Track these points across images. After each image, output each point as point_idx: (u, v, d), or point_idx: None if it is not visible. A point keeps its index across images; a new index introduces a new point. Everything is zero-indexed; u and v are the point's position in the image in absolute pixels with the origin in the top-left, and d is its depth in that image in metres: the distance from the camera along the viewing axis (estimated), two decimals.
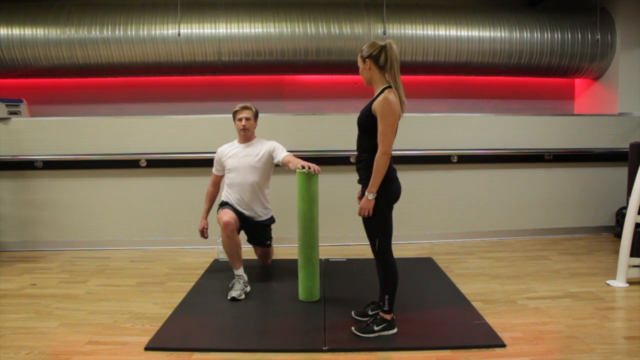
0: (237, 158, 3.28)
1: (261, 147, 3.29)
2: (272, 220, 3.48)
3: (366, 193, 2.32)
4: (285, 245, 4.11)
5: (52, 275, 3.53)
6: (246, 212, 3.28)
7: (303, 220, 2.86)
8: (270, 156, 3.26)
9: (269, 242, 3.50)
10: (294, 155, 3.15)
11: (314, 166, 2.82)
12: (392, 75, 2.30)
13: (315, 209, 2.87)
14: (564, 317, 2.69)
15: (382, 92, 2.29)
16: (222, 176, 3.40)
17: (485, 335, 2.46)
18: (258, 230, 3.40)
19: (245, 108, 3.26)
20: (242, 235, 3.32)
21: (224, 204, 3.29)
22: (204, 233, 3.43)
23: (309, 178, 2.81)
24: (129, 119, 4.27)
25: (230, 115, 3.35)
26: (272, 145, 3.30)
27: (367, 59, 2.33)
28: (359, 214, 2.38)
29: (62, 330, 2.58)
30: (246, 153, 3.28)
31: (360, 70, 2.40)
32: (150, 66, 4.43)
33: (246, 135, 3.30)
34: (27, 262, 3.88)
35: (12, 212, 4.21)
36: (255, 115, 3.33)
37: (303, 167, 2.82)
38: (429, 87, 5.05)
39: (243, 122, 3.24)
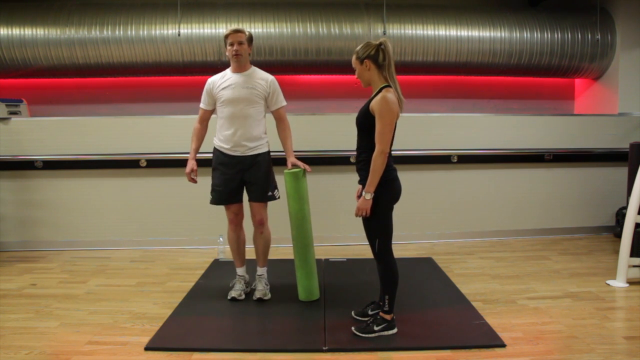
0: (232, 89, 2.88)
1: (259, 81, 2.91)
2: (268, 155, 3.00)
3: (363, 193, 2.31)
4: (282, 246, 4.10)
5: (52, 275, 3.53)
6: (239, 151, 2.91)
7: (295, 219, 2.86)
8: (267, 95, 2.93)
9: (270, 193, 2.97)
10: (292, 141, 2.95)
11: (304, 165, 2.81)
12: (390, 74, 2.30)
13: (306, 207, 2.87)
14: (564, 317, 2.69)
15: (379, 91, 2.29)
16: (211, 112, 3.03)
17: (485, 335, 2.46)
18: (255, 174, 2.93)
19: (237, 31, 2.84)
20: (246, 218, 3.18)
21: (217, 168, 2.97)
22: (192, 176, 2.97)
23: (297, 177, 2.81)
24: (129, 119, 4.27)
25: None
26: (272, 82, 2.94)
27: (365, 60, 2.31)
28: (356, 215, 2.36)
29: (62, 330, 2.58)
30: (243, 84, 2.88)
31: (357, 72, 2.37)
32: (150, 66, 4.43)
33: (240, 62, 2.88)
34: (27, 262, 3.88)
35: (12, 212, 4.21)
36: (249, 40, 2.92)
37: (294, 165, 2.81)
38: (429, 87, 5.05)
39: (235, 46, 2.82)
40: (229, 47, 2.87)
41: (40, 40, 4.23)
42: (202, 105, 3.02)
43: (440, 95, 5.09)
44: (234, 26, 2.94)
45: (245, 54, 2.89)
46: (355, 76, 2.40)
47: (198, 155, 3.04)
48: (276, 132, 3.03)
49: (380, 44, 2.29)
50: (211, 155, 3.04)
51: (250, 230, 3.08)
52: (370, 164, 2.28)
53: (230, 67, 2.96)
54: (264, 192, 2.96)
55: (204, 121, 3.05)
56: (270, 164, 3.04)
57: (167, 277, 3.48)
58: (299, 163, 2.84)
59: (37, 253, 4.11)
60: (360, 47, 2.34)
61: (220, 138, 2.97)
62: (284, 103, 3.00)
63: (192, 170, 2.96)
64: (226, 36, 2.87)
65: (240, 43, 2.84)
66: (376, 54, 2.29)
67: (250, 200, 3.01)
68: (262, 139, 2.98)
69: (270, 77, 2.96)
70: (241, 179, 2.95)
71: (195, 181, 2.99)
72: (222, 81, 2.92)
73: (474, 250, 4.16)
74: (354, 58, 2.36)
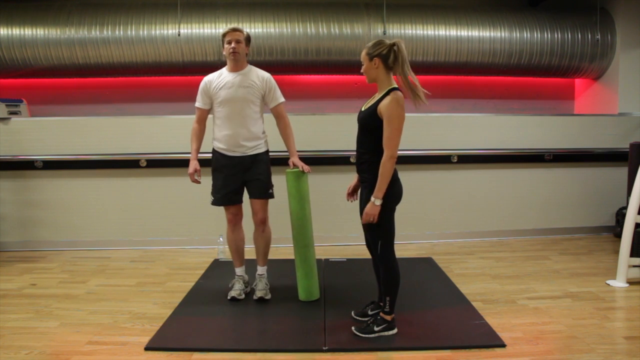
0: (228, 89, 2.85)
1: (255, 80, 2.89)
2: (267, 155, 3.02)
3: (372, 198, 2.25)
4: (282, 245, 4.10)
5: (52, 275, 3.53)
6: (239, 152, 2.90)
7: (296, 219, 2.86)
8: (264, 93, 2.92)
9: (270, 190, 3.01)
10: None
11: (305, 166, 2.81)
12: (402, 76, 2.24)
13: (307, 207, 2.87)
14: (564, 317, 2.69)
15: (387, 93, 2.26)
16: (208, 111, 2.99)
17: (485, 335, 2.46)
18: (255, 171, 2.93)
19: (234, 30, 2.83)
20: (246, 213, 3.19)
21: (217, 169, 2.97)
22: (195, 177, 2.93)
23: (299, 177, 2.81)
24: (129, 119, 4.27)
25: None
26: (268, 80, 2.93)
27: (375, 58, 2.27)
28: (364, 221, 2.30)
29: (62, 330, 2.58)
30: (239, 83, 2.86)
31: (364, 68, 2.32)
32: (150, 66, 4.43)
33: (237, 61, 2.86)
34: (27, 262, 3.87)
35: (12, 212, 4.21)
36: (247, 39, 2.90)
37: (295, 166, 2.80)
38: (429, 87, 4.93)
39: (233, 44, 2.80)
40: (226, 46, 2.85)
41: (40, 40, 4.23)
42: (198, 104, 2.98)
43: (440, 95, 5.08)
44: (233, 25, 2.91)
45: (243, 53, 2.88)
46: (362, 70, 2.34)
47: (199, 155, 3.03)
48: (277, 131, 3.02)
49: (394, 44, 2.24)
50: (209, 155, 3.04)
51: (250, 230, 3.08)
52: (373, 165, 2.27)
53: (226, 66, 2.94)
54: (264, 190, 2.97)
55: (202, 121, 3.01)
56: (269, 163, 3.04)
57: (167, 277, 3.48)
58: (299, 163, 2.84)
59: (37, 253, 4.11)
60: (372, 44, 2.29)
61: (218, 139, 2.95)
62: (282, 99, 2.98)
63: (195, 171, 2.93)
64: (224, 34, 2.86)
65: (237, 41, 2.83)
66: (387, 54, 2.25)
67: (251, 197, 3.00)
68: (261, 138, 2.98)
69: (266, 75, 2.95)
70: (241, 179, 2.95)
71: (199, 182, 2.96)
72: (219, 81, 2.90)
73: (474, 250, 4.16)
74: (363, 53, 2.31)
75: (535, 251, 4.09)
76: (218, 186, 2.97)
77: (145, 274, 3.57)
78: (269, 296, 3.02)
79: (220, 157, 2.96)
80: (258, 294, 2.98)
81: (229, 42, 2.83)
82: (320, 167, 4.17)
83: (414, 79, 2.26)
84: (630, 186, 3.37)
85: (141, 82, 4.78)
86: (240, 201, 3.02)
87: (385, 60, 2.26)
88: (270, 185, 3.01)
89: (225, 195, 2.95)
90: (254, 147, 2.94)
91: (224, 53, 2.89)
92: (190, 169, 2.92)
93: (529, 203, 4.54)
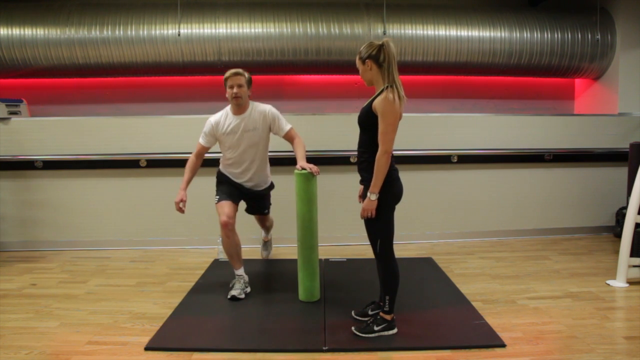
0: (235, 134, 3.02)
1: (259, 119, 3.03)
2: (271, 187, 3.36)
3: (368, 194, 2.30)
4: (285, 245, 4.11)
5: (52, 275, 3.54)
6: (246, 185, 3.17)
7: (302, 221, 2.87)
8: (269, 127, 3.08)
9: (266, 210, 3.39)
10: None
11: (314, 167, 2.81)
12: (389, 73, 2.28)
13: (314, 210, 2.87)
14: (564, 317, 2.69)
15: (382, 91, 2.29)
16: (209, 148, 3.13)
17: (485, 335, 2.47)
18: (257, 200, 3.30)
19: (236, 74, 2.93)
20: (241, 211, 3.28)
21: (221, 182, 3.18)
22: (180, 206, 3.03)
23: (308, 179, 2.81)
24: (129, 119, 4.27)
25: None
26: (270, 114, 3.05)
27: (367, 60, 2.32)
28: (362, 216, 2.36)
29: (62, 330, 2.58)
30: (244, 128, 3.01)
31: (361, 72, 2.39)
32: (150, 66, 4.43)
33: (239, 104, 2.98)
34: (27, 262, 3.88)
35: (12, 212, 4.21)
36: (249, 82, 3.01)
37: (303, 169, 2.81)
38: (429, 87, 5.05)
39: (235, 89, 2.91)
40: (228, 90, 2.95)
41: (40, 40, 4.22)
42: (201, 141, 3.10)
43: (440, 95, 5.09)
44: (234, 69, 2.98)
45: (245, 96, 2.98)
46: (359, 76, 2.41)
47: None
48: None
49: (382, 44, 2.30)
50: (211, 154, 3.20)
51: (245, 232, 3.23)
52: (372, 164, 2.28)
53: (230, 107, 3.06)
54: (263, 210, 3.37)
55: (200, 156, 3.14)
56: (271, 188, 3.37)
57: (167, 277, 3.48)
58: (307, 166, 2.83)
59: (37, 253, 4.11)
60: (363, 47, 2.35)
61: (228, 171, 3.17)
62: (289, 126, 3.09)
63: (181, 201, 3.02)
64: (226, 78, 2.96)
65: (239, 86, 2.93)
66: (377, 54, 2.29)
67: (250, 212, 3.39)
68: (268, 177, 3.30)
69: (267, 108, 3.06)
70: (244, 194, 3.21)
71: (182, 211, 3.05)
72: (225, 124, 3.03)
73: (474, 250, 4.16)
74: (357, 58, 2.37)
75: (535, 251, 4.09)
76: (224, 191, 3.14)
77: (145, 274, 3.57)
78: (268, 253, 3.80)
79: (228, 179, 3.18)
80: (263, 253, 3.76)
81: (231, 87, 2.93)
82: (319, 167, 4.16)
83: (397, 79, 2.29)
84: (630, 186, 3.37)
85: (141, 82, 4.78)
86: (238, 202, 3.16)
87: (377, 59, 2.30)
88: (269, 205, 3.42)
89: (230, 195, 3.10)
90: (261, 185, 3.25)
91: (227, 96, 2.99)
92: (178, 197, 3.02)
93: (529, 203, 4.54)
